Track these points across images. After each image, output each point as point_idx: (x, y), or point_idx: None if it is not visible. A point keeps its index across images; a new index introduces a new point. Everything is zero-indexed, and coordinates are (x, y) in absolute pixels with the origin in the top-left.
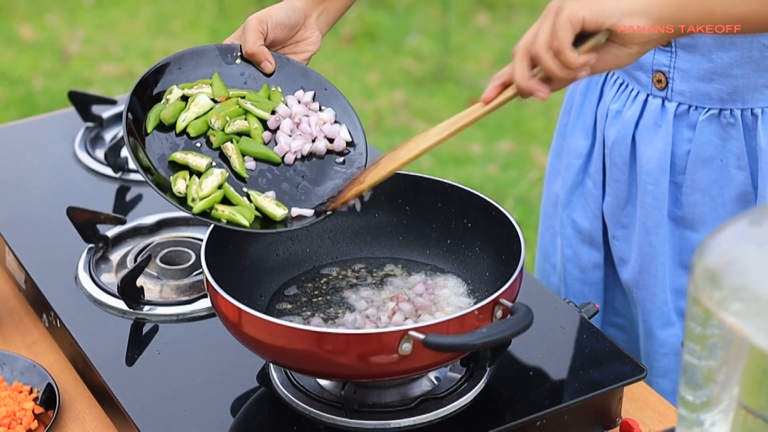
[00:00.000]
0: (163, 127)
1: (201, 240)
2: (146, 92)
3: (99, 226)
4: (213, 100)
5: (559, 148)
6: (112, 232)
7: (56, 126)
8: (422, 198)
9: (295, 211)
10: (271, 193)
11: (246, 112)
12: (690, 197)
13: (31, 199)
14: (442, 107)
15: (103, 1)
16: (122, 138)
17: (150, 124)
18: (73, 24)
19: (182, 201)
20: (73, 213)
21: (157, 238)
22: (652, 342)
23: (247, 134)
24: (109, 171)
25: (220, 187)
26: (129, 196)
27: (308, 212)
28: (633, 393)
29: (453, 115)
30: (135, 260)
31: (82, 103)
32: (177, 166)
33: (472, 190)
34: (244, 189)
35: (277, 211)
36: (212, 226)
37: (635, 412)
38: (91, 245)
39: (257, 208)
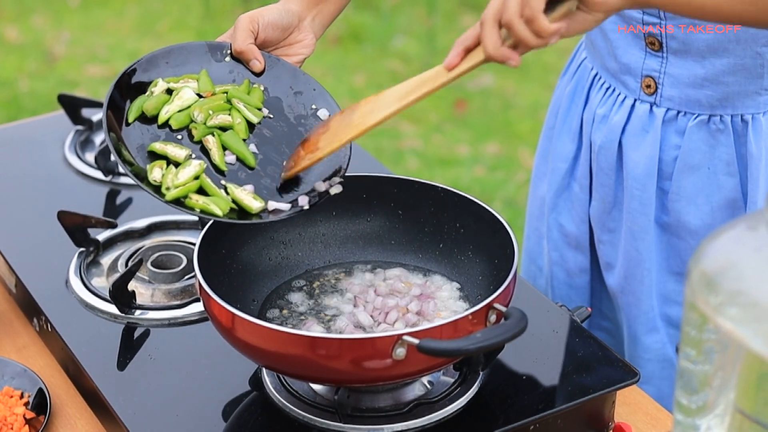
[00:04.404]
0: (145, 119)
1: (192, 244)
2: (131, 84)
3: (90, 230)
4: (198, 95)
5: (545, 151)
6: (102, 235)
7: (45, 129)
8: (414, 202)
9: (272, 205)
10: (250, 187)
11: (230, 107)
12: (676, 204)
13: (21, 202)
14: (429, 109)
15: (88, 2)
16: None
17: (132, 114)
18: (58, 25)
19: (157, 189)
20: (64, 217)
21: (148, 242)
22: (636, 347)
23: (230, 129)
24: (99, 174)
25: (197, 178)
26: (119, 200)
27: (285, 206)
28: (625, 397)
29: (441, 118)
30: (126, 264)
31: (72, 106)
32: (156, 157)
33: (464, 194)
34: (223, 182)
35: (254, 203)
36: (204, 230)
37: (628, 416)
38: (81, 249)
39: (234, 201)
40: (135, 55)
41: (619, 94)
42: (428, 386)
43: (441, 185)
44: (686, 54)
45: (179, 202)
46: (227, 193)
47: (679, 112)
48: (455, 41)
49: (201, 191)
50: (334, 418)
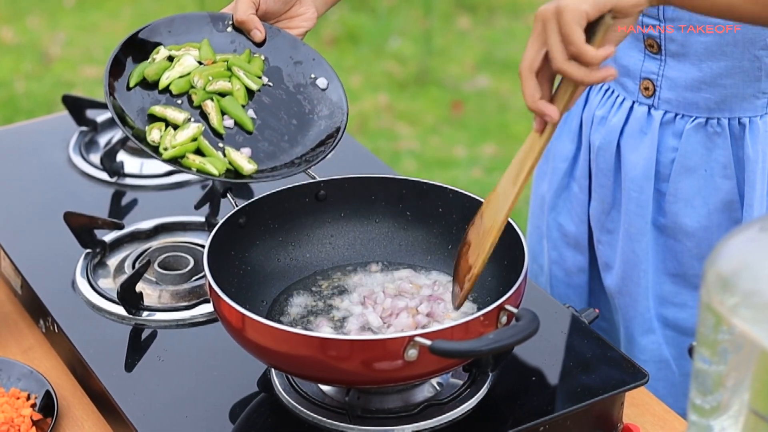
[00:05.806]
0: (146, 85)
1: (199, 245)
2: (134, 46)
3: (96, 231)
4: (199, 63)
5: (546, 151)
6: (109, 237)
7: (49, 130)
8: (423, 203)
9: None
10: (247, 150)
11: (230, 74)
12: (672, 206)
13: (27, 203)
14: (426, 110)
15: (84, 3)
16: (117, 143)
17: (133, 80)
18: (54, 26)
19: (155, 149)
20: (71, 218)
21: (155, 243)
22: (632, 348)
23: (229, 95)
24: (104, 176)
25: (195, 140)
26: (125, 201)
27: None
28: (633, 398)
29: (438, 119)
30: (133, 265)
31: (76, 107)
32: (155, 120)
33: (473, 195)
34: (221, 145)
35: (246, 165)
36: (214, 231)
37: (636, 417)
38: (88, 250)
39: (230, 163)
40: None
41: (618, 96)
42: (438, 388)
43: (450, 186)
44: (684, 57)
45: (176, 162)
46: (224, 155)
47: (676, 115)
48: (531, 103)
49: (199, 153)
50: (343, 420)
